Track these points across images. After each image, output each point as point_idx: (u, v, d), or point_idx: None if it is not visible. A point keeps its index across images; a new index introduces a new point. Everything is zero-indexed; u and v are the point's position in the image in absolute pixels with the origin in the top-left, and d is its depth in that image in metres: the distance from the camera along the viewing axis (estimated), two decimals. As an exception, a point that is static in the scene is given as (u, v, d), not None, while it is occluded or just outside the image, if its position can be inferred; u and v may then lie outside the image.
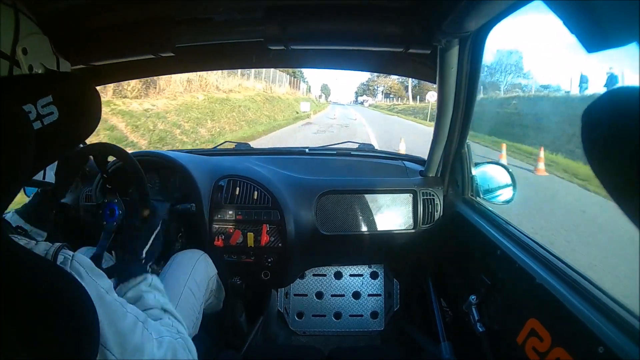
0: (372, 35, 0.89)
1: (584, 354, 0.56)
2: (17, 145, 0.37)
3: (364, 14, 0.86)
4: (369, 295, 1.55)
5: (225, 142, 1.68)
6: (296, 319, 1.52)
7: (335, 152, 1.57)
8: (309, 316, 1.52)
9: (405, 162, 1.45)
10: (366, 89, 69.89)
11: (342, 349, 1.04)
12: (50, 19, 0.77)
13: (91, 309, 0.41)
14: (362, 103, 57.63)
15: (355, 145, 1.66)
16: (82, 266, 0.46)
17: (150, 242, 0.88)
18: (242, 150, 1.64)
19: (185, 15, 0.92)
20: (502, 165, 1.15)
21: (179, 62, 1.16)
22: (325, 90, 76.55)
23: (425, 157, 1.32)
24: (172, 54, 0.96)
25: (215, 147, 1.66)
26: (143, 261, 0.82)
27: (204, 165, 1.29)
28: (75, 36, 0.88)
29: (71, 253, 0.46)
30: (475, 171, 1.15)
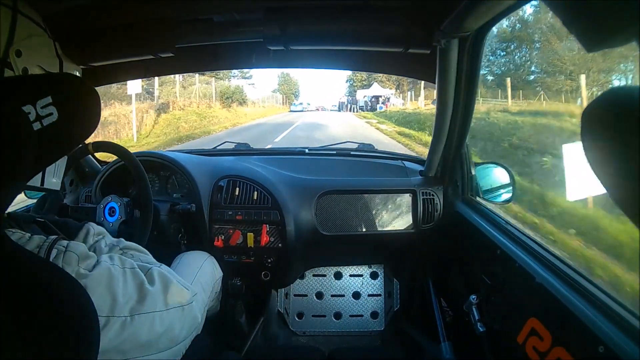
0: (371, 36, 0.89)
1: (585, 353, 0.56)
2: (17, 147, 0.37)
3: (363, 15, 0.86)
4: (369, 295, 1.55)
5: (225, 142, 1.68)
6: (296, 319, 1.52)
7: (335, 152, 1.57)
8: (309, 316, 1.52)
9: (405, 162, 1.45)
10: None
11: (343, 349, 1.04)
12: (50, 20, 0.77)
13: (91, 308, 0.41)
14: (371, 107, 24.14)
15: (355, 145, 1.66)
16: (76, 253, 0.46)
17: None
18: (242, 150, 1.64)
19: (185, 16, 0.92)
20: (502, 165, 1.15)
21: (179, 62, 1.16)
22: (287, 84, 42.09)
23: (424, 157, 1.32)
24: (172, 54, 0.96)
25: (215, 148, 1.66)
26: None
27: (203, 165, 1.29)
28: (75, 37, 0.88)
29: (65, 243, 0.46)
30: (475, 171, 1.15)
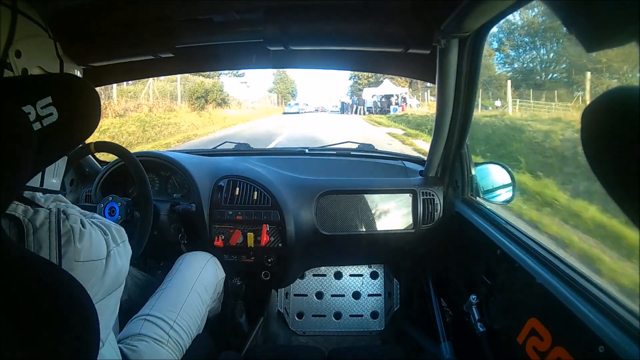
0: (371, 36, 0.89)
1: (585, 353, 0.56)
2: (17, 147, 0.37)
3: (363, 15, 0.86)
4: (369, 295, 1.55)
5: (225, 142, 1.69)
6: (296, 319, 1.52)
7: (335, 152, 1.57)
8: (309, 316, 1.52)
9: (405, 162, 1.45)
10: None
11: (342, 349, 1.04)
12: (50, 20, 0.77)
13: (91, 309, 0.41)
14: (381, 109, 19.29)
15: (355, 145, 1.66)
16: (75, 215, 0.51)
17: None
18: (242, 150, 1.64)
19: (185, 16, 0.92)
20: (502, 165, 1.15)
21: (179, 62, 1.16)
22: (283, 83, 35.64)
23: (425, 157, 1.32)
24: (171, 55, 0.96)
25: (215, 148, 1.66)
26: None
27: (203, 165, 1.29)
28: (75, 37, 0.88)
29: (63, 210, 0.50)
30: (475, 171, 1.15)
